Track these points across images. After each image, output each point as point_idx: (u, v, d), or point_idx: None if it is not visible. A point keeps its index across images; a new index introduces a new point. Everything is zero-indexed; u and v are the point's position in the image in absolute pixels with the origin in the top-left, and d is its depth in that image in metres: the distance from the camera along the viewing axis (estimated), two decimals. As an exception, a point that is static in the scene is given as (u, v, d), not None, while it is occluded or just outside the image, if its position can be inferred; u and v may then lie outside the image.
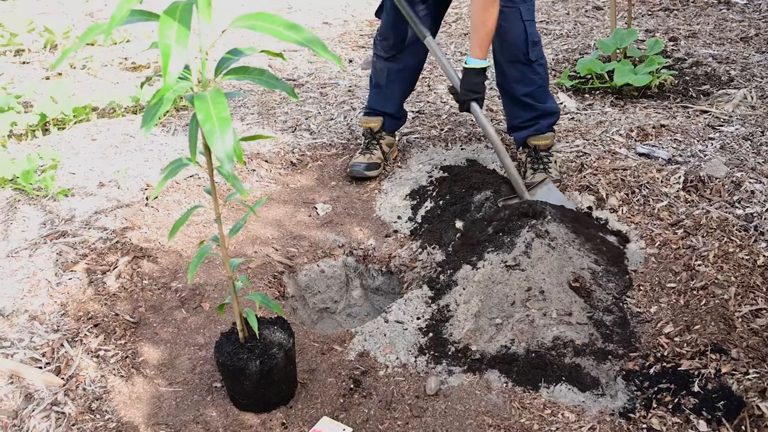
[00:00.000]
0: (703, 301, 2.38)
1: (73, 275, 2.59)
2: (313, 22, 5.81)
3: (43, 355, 2.23)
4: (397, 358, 2.25)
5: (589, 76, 4.22)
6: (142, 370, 2.23)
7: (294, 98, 1.67)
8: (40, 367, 2.19)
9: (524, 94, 3.08)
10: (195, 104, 1.42)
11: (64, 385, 2.13)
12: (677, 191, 2.97)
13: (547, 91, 3.12)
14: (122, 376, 2.19)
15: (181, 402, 2.11)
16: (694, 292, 2.44)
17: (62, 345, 2.27)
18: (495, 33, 2.95)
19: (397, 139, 3.56)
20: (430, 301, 2.50)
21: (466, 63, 2.88)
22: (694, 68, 4.35)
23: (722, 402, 1.98)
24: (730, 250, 2.61)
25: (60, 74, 4.62)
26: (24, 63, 4.88)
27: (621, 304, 2.43)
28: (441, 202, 3.08)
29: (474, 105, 2.90)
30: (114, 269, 2.63)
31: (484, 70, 2.88)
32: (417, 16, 2.97)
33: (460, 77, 2.94)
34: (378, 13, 3.27)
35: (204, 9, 1.34)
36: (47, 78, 4.57)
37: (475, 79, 2.88)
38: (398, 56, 3.23)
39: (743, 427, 1.91)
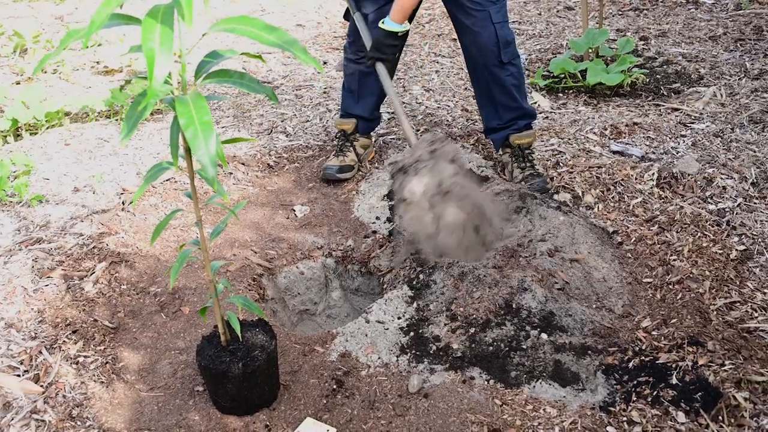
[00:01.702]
0: (679, 295, 2.43)
1: (49, 282, 2.56)
2: (286, 24, 5.79)
3: (21, 363, 2.20)
4: (379, 358, 2.26)
5: (563, 76, 4.26)
6: (122, 376, 2.21)
7: (274, 101, 1.67)
8: (18, 375, 2.16)
9: (500, 96, 3.08)
10: (177, 108, 1.42)
11: (43, 393, 2.10)
12: (651, 188, 3.02)
13: (522, 92, 3.13)
14: (102, 382, 2.17)
15: (163, 407, 2.10)
16: (670, 287, 2.48)
17: (40, 352, 2.24)
18: (467, 36, 2.96)
19: (373, 140, 3.56)
20: (410, 300, 2.51)
21: (382, 22, 2.85)
22: (665, 67, 4.41)
23: (700, 393, 2.02)
24: (704, 244, 2.66)
25: (31, 79, 4.56)
26: (-7, 68, 4.82)
27: (600, 299, 2.46)
28: (419, 202, 3.10)
29: (379, 65, 2.86)
30: (91, 275, 2.61)
31: (396, 33, 2.84)
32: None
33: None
34: (346, 16, 3.27)
35: (185, 12, 1.33)
36: (18, 83, 4.51)
37: (384, 40, 2.85)
38: None
39: (720, 418, 1.95)
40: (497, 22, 2.91)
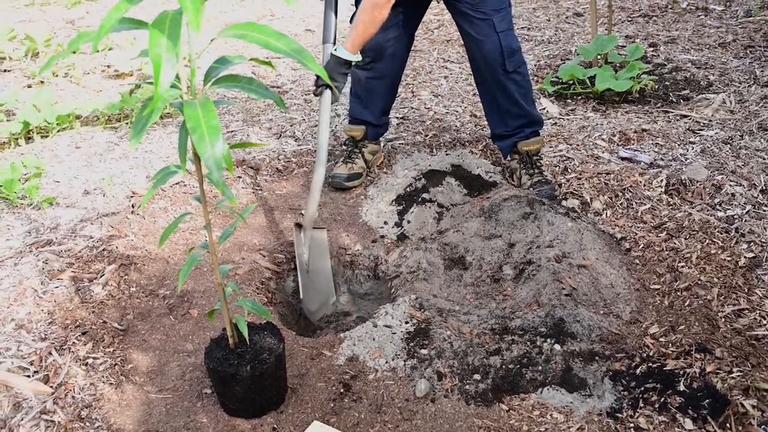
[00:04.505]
0: (687, 302, 2.42)
1: (59, 283, 2.58)
2: (295, 29, 5.82)
3: (31, 364, 2.22)
4: (386, 362, 2.26)
5: (571, 82, 4.27)
6: (131, 378, 2.22)
7: (282, 108, 1.68)
8: (28, 376, 2.17)
9: (505, 104, 3.08)
10: (185, 112, 1.43)
11: (52, 394, 2.12)
12: (659, 194, 3.02)
13: (529, 99, 3.13)
14: (111, 383, 2.18)
15: (171, 409, 2.11)
16: (678, 293, 2.48)
17: (50, 353, 2.26)
18: (471, 45, 2.98)
19: (381, 145, 3.57)
20: (418, 305, 2.51)
21: (335, 49, 2.78)
22: (674, 73, 4.41)
23: (707, 400, 2.02)
24: (712, 251, 2.65)
25: (42, 82, 4.59)
26: (5, 71, 4.85)
27: (608, 305, 2.45)
28: (427, 207, 3.10)
29: (326, 92, 2.79)
30: (101, 277, 2.63)
31: (348, 63, 2.77)
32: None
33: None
34: (352, 20, 3.28)
35: (193, 19, 1.34)
36: (29, 86, 4.55)
37: (336, 67, 2.76)
38: (373, 65, 3.19)
39: (728, 425, 1.95)
40: (501, 31, 2.91)
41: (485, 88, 3.12)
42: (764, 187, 3.02)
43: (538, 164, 3.17)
